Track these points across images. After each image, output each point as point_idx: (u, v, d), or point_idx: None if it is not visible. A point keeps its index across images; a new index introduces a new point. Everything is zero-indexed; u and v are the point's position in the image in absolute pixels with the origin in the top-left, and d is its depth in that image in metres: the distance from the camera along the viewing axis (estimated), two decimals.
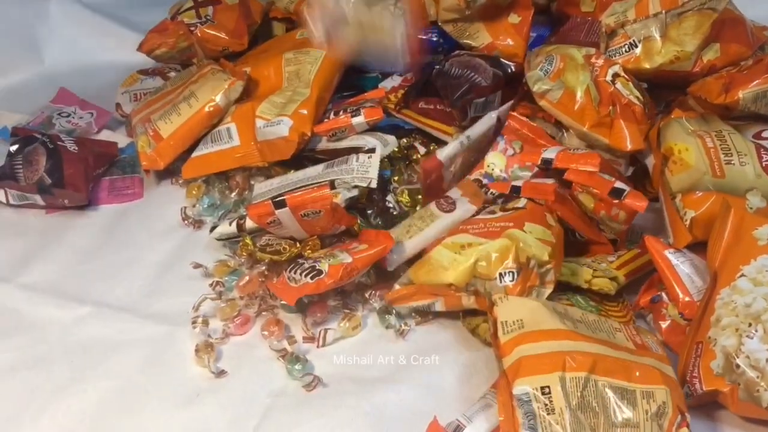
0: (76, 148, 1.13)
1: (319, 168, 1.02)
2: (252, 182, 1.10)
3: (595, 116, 0.96)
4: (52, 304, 0.93)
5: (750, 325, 0.73)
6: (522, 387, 0.67)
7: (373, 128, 1.06)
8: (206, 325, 0.87)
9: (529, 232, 0.82)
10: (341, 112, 1.07)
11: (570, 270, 0.86)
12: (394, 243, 0.87)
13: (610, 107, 0.96)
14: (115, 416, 0.78)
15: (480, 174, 1.00)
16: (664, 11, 1.01)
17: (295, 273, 0.86)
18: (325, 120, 1.07)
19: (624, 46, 1.02)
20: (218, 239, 1.00)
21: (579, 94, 0.97)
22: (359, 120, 1.04)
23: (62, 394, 0.81)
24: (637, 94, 0.98)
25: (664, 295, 0.85)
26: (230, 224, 0.97)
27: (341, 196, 0.90)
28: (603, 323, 0.76)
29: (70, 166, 1.10)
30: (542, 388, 0.66)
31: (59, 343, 0.88)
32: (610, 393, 0.67)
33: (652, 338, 0.77)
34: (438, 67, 1.12)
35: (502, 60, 1.11)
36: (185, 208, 1.08)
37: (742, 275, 0.76)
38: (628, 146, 0.95)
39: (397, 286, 0.87)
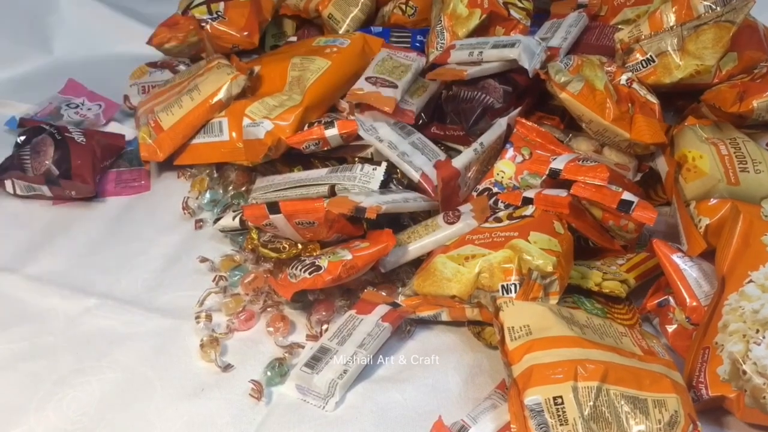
0: (84, 140, 1.13)
1: (323, 171, 1.02)
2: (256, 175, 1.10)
3: (617, 110, 0.95)
4: (58, 295, 0.93)
5: (758, 331, 0.72)
6: (534, 397, 0.66)
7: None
8: (209, 321, 0.87)
9: (534, 242, 0.82)
10: (315, 123, 1.04)
11: (579, 273, 0.86)
12: (396, 242, 0.87)
13: (629, 104, 0.96)
14: (119, 408, 0.78)
15: (490, 182, 0.99)
16: (679, 25, 1.00)
17: (295, 269, 0.87)
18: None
19: (641, 62, 1.01)
20: (221, 230, 1.00)
21: (599, 88, 0.96)
22: (333, 132, 1.02)
23: (67, 384, 0.81)
24: (653, 95, 0.98)
25: (671, 298, 0.84)
26: (234, 218, 0.97)
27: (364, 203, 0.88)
28: (609, 327, 0.76)
29: (77, 157, 1.09)
30: (555, 398, 0.66)
31: (64, 334, 0.87)
32: (622, 402, 0.66)
33: (657, 343, 0.77)
34: (446, 91, 1.09)
35: (508, 74, 1.06)
36: (187, 198, 1.08)
37: (751, 281, 0.76)
38: (650, 139, 0.95)
39: (401, 298, 0.87)
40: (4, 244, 1.02)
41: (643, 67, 1.01)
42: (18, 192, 1.11)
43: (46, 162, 1.09)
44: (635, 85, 0.98)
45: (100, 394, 0.80)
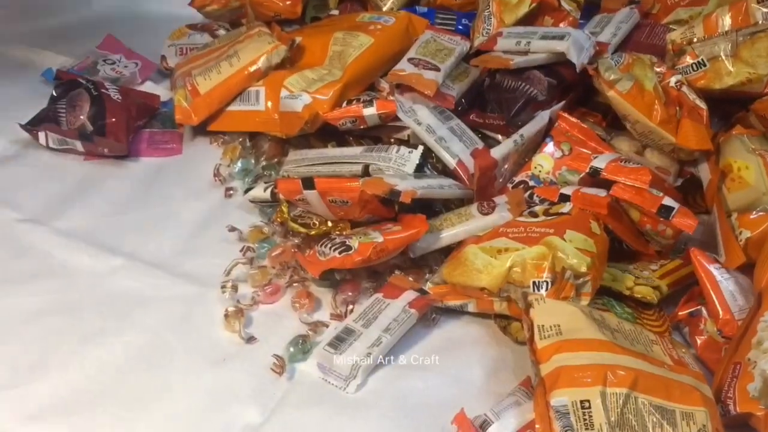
0: (120, 98, 1.12)
1: (357, 149, 1.00)
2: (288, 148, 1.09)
3: (664, 113, 0.93)
4: (85, 252, 0.93)
5: None
6: (560, 398, 0.65)
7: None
8: (235, 291, 0.86)
9: (570, 241, 0.80)
10: (354, 101, 1.03)
11: (611, 275, 0.85)
12: (428, 228, 0.86)
13: (677, 107, 0.94)
14: (140, 371, 0.78)
15: (527, 176, 0.97)
16: (734, 31, 0.98)
17: (325, 247, 0.86)
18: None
19: (692, 65, 0.99)
20: (251, 201, 0.99)
21: (648, 89, 0.94)
22: (371, 111, 1.00)
23: (89, 343, 0.81)
24: (702, 100, 0.96)
25: (703, 309, 0.83)
26: (265, 190, 0.96)
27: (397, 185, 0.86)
28: (639, 334, 0.75)
29: (112, 114, 1.09)
30: (582, 401, 0.65)
31: (89, 291, 0.87)
32: (650, 412, 0.65)
33: (687, 353, 0.76)
34: (489, 79, 1.07)
35: (555, 67, 1.03)
36: (219, 165, 1.08)
37: None
38: (696, 145, 0.93)
39: (429, 285, 0.86)
40: (36, 196, 1.02)
41: (694, 70, 0.99)
42: (50, 144, 1.10)
43: (81, 117, 1.08)
44: (684, 89, 0.96)
45: (122, 355, 0.80)
